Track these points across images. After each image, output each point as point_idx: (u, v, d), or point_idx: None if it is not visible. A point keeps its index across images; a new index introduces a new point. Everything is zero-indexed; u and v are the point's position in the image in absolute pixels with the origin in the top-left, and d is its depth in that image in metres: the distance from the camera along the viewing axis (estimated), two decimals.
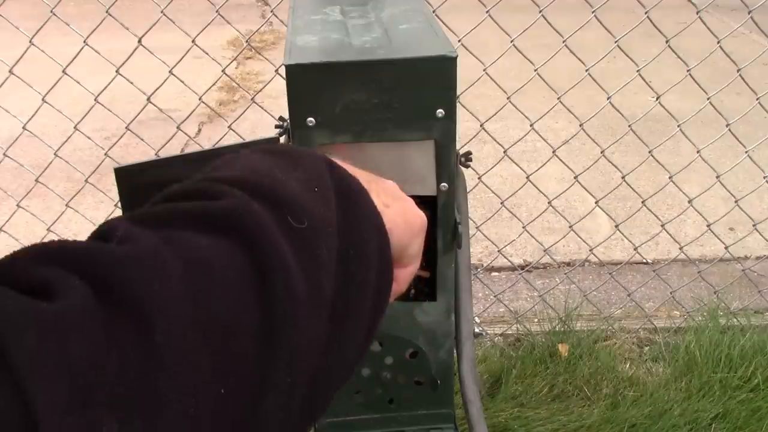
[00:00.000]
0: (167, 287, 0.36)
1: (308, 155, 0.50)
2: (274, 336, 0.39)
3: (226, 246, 0.39)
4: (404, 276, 0.58)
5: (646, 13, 2.04)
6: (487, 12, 2.00)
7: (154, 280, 0.36)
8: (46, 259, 0.36)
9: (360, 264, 0.46)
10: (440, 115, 1.08)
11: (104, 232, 0.39)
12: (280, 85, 1.17)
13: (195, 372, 0.35)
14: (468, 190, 1.33)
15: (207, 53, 2.19)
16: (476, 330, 1.36)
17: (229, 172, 0.46)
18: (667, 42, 2.06)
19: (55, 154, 2.17)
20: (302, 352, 0.41)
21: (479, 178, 2.18)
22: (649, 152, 2.25)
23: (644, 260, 2.70)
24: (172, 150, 2.62)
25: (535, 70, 2.07)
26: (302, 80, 1.05)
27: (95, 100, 2.08)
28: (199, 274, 0.38)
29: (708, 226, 2.39)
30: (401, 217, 0.54)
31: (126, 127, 2.12)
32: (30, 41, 1.93)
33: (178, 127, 2.18)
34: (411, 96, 1.07)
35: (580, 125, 2.21)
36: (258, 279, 0.39)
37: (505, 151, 2.19)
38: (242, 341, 0.38)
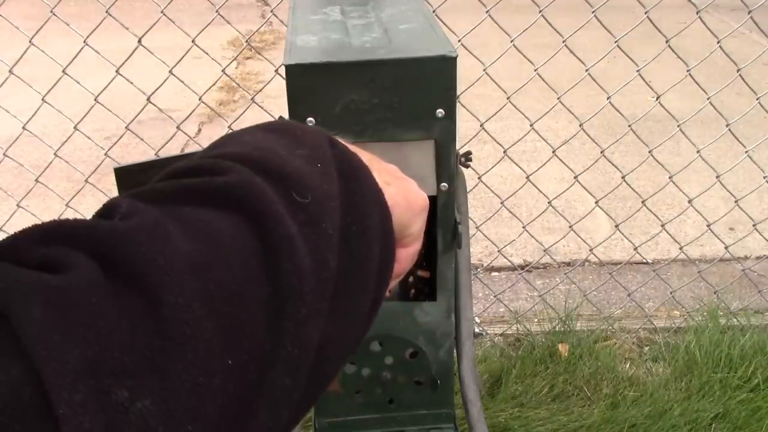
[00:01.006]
0: (172, 261, 0.36)
1: (310, 132, 0.50)
2: (281, 308, 0.39)
3: (231, 220, 0.40)
4: (406, 256, 0.58)
5: (646, 13, 2.04)
6: (487, 12, 2.00)
7: (158, 253, 0.36)
8: (50, 237, 0.36)
9: (363, 238, 0.46)
10: (440, 115, 1.08)
11: (108, 209, 0.39)
12: (280, 85, 1.17)
13: (203, 344, 0.35)
14: (468, 190, 1.33)
15: (207, 53, 2.19)
16: (476, 330, 1.36)
17: (232, 148, 0.46)
18: (667, 42, 2.06)
19: (55, 154, 2.17)
20: (308, 324, 0.41)
21: (479, 178, 2.18)
22: (649, 152, 2.25)
23: (644, 260, 2.70)
24: (172, 150, 2.62)
25: (535, 70, 2.07)
26: (302, 80, 1.05)
27: (95, 100, 2.08)
28: (204, 247, 0.38)
29: (708, 226, 2.39)
30: (402, 195, 0.55)
31: (126, 127, 2.12)
32: (30, 41, 1.93)
33: (178, 127, 2.18)
34: (411, 96, 1.07)
35: (580, 125, 2.21)
36: (263, 252, 0.39)
37: (505, 151, 2.19)
38: (249, 313, 0.38)
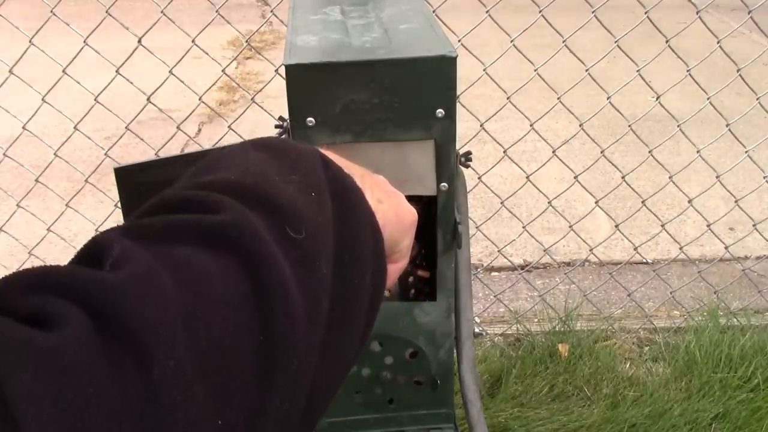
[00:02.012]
0: (165, 315, 0.35)
1: (305, 153, 0.49)
2: (273, 360, 0.39)
3: (224, 264, 0.39)
4: (394, 271, 0.58)
5: (646, 13, 2.04)
6: (487, 12, 2.00)
7: (151, 308, 0.35)
8: (40, 285, 0.35)
9: (355, 268, 0.46)
10: (440, 115, 1.08)
11: (98, 250, 0.38)
12: (280, 85, 1.17)
13: (194, 408, 0.35)
14: (468, 190, 1.33)
15: (207, 53, 2.19)
16: (476, 330, 1.36)
17: (224, 173, 0.45)
18: (667, 42, 2.06)
19: (55, 154, 2.17)
20: (299, 375, 0.41)
21: (479, 178, 2.18)
22: (649, 152, 2.25)
23: (644, 260, 2.70)
24: (172, 150, 2.62)
25: (535, 70, 2.07)
26: (302, 80, 1.05)
27: (95, 100, 2.08)
28: (196, 297, 0.37)
29: (708, 226, 2.39)
30: (393, 212, 0.55)
31: (126, 127, 2.12)
32: (30, 41, 1.92)
33: (178, 127, 2.18)
34: (411, 96, 1.07)
35: (580, 125, 2.21)
36: (256, 298, 0.39)
37: (505, 151, 2.19)
38: (241, 368, 0.37)
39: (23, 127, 2.12)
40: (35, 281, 0.35)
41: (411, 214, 0.58)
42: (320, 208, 0.45)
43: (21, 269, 0.36)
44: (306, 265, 0.42)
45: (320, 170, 0.48)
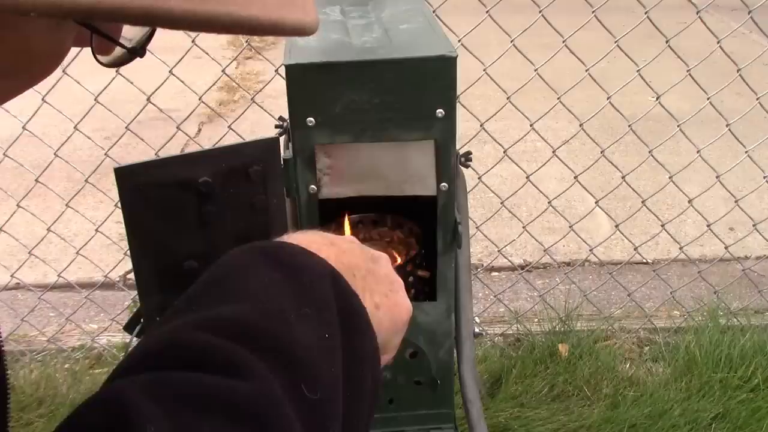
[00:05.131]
0: None
1: (315, 271, 0.51)
2: None
3: None
4: (381, 363, 0.60)
5: (646, 13, 2.04)
6: (487, 12, 2.00)
7: None
8: None
9: (356, 400, 0.49)
10: (440, 115, 1.08)
11: (119, 414, 0.37)
12: (280, 85, 1.16)
13: None
14: (468, 190, 1.33)
15: (207, 53, 2.19)
16: (476, 330, 1.36)
17: (239, 306, 0.46)
18: (667, 42, 2.06)
19: (55, 154, 2.17)
20: None
21: (479, 178, 2.18)
22: (649, 152, 2.25)
23: (644, 260, 2.70)
24: (172, 150, 2.62)
25: (535, 70, 2.07)
26: (302, 80, 1.05)
27: (95, 100, 2.08)
28: None
29: (708, 226, 2.39)
30: (389, 315, 0.58)
31: (126, 127, 2.12)
32: None
33: (178, 127, 2.18)
34: (411, 96, 1.07)
35: (580, 125, 2.21)
36: None
37: (505, 151, 2.19)
38: None
39: (23, 127, 2.12)
40: None
41: (406, 312, 0.61)
42: (332, 355, 0.47)
43: None
44: (319, 429, 0.44)
45: (330, 293, 0.50)
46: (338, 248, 0.57)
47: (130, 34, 0.45)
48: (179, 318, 0.46)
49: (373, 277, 0.58)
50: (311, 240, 0.56)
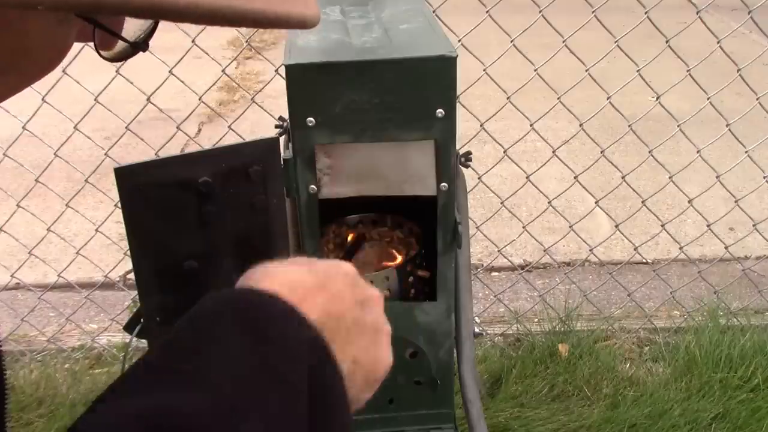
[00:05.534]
0: None
1: (290, 336, 0.47)
2: None
3: None
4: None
5: (646, 13, 2.04)
6: (487, 12, 2.00)
7: None
8: None
9: None
10: (440, 115, 1.08)
11: None
12: (280, 85, 1.16)
13: None
14: (468, 190, 1.33)
15: (207, 53, 2.19)
16: (476, 330, 1.36)
17: (206, 384, 0.42)
18: (667, 42, 2.06)
19: (55, 154, 2.17)
20: None
21: (479, 178, 2.18)
22: (649, 152, 2.25)
23: (644, 260, 2.70)
24: (172, 150, 2.62)
25: (535, 70, 2.07)
26: (302, 80, 1.05)
27: (95, 100, 2.08)
28: None
29: (708, 226, 2.39)
30: (364, 372, 0.55)
31: (126, 127, 2.12)
32: None
33: (178, 127, 2.18)
34: (411, 96, 1.07)
35: (580, 125, 2.21)
36: None
37: (505, 151, 2.19)
38: None
39: (23, 127, 2.12)
40: None
41: (384, 369, 0.57)
42: None
43: None
44: None
45: (303, 371, 0.46)
46: (328, 293, 0.52)
47: (133, 28, 0.45)
48: (131, 389, 0.42)
49: (358, 327, 0.55)
50: (300, 282, 0.51)
